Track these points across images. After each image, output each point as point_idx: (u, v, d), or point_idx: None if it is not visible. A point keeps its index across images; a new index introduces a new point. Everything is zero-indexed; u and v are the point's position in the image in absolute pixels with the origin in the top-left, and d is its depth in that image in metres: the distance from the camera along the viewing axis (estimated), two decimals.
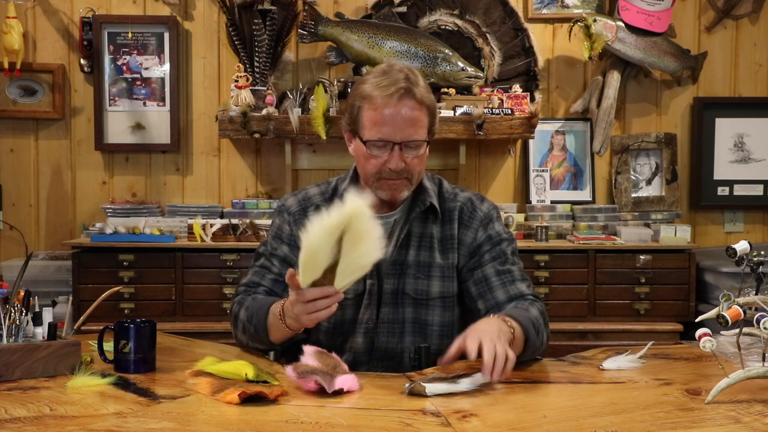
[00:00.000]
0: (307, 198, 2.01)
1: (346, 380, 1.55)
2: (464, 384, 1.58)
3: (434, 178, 2.03)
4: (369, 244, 1.59)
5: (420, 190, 1.96)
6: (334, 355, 1.66)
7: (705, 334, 1.52)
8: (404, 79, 1.84)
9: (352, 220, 1.55)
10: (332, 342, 1.92)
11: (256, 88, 3.57)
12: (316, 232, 1.55)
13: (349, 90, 3.53)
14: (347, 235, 1.56)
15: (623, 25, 3.67)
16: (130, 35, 3.77)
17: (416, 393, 1.54)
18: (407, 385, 1.57)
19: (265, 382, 1.59)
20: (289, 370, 1.58)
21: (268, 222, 3.49)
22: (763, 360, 1.51)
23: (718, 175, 3.92)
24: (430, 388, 1.54)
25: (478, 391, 1.56)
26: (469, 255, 1.94)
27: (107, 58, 3.79)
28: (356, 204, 1.56)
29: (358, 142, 1.89)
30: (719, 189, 3.93)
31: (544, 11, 3.88)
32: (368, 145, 1.85)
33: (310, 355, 1.63)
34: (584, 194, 3.91)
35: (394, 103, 1.82)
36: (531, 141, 3.83)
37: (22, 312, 1.69)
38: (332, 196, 1.99)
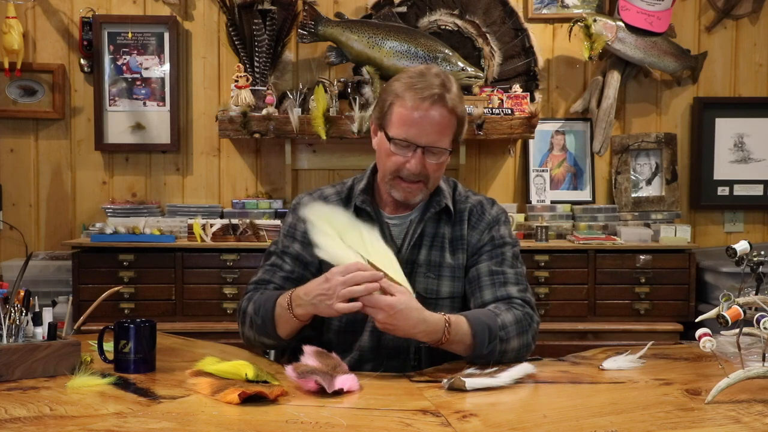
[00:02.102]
0: (323, 197, 2.01)
1: (346, 380, 1.55)
2: (502, 378, 1.61)
3: (449, 181, 2.04)
4: (369, 240, 1.72)
5: (435, 192, 1.97)
6: (334, 355, 1.66)
7: (705, 334, 1.52)
8: (440, 85, 1.84)
9: (329, 222, 1.72)
10: (342, 341, 1.91)
11: (256, 88, 3.57)
12: (329, 248, 1.71)
13: (349, 90, 3.53)
14: (346, 236, 1.70)
15: (623, 25, 3.68)
16: (130, 35, 3.77)
17: (456, 388, 1.57)
18: (446, 380, 1.59)
19: (265, 382, 1.59)
20: (289, 370, 1.58)
21: (268, 222, 3.49)
22: (763, 360, 1.51)
23: (718, 175, 3.92)
24: (470, 382, 1.57)
25: (478, 391, 1.57)
26: (472, 255, 1.95)
27: (107, 58, 3.79)
28: (318, 213, 1.76)
29: (383, 137, 1.89)
30: (719, 189, 3.93)
31: (544, 11, 3.88)
32: (392, 142, 1.86)
33: (310, 355, 1.63)
34: (584, 194, 3.91)
35: (426, 106, 1.83)
36: (531, 141, 3.83)
37: (22, 312, 1.69)
38: (348, 196, 1.99)
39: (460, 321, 1.75)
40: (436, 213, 1.96)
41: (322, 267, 1.96)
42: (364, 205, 1.95)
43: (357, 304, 1.65)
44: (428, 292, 1.92)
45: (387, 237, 1.94)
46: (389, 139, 1.86)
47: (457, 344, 1.74)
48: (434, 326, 1.70)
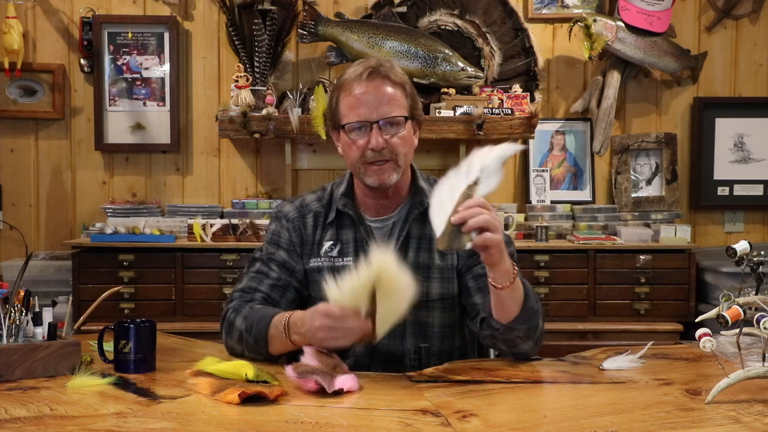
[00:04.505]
0: (305, 205, 1.99)
1: (346, 380, 1.55)
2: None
3: (430, 180, 2.01)
4: (400, 295, 1.61)
5: (416, 192, 1.95)
6: (334, 355, 1.65)
7: (705, 334, 1.52)
8: (375, 63, 1.86)
9: (380, 275, 1.58)
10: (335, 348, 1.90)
11: (256, 88, 3.57)
12: (347, 291, 1.60)
13: None
14: (379, 290, 1.60)
15: (623, 25, 3.68)
16: (130, 35, 3.77)
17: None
18: None
19: (265, 382, 1.59)
20: (289, 370, 1.58)
21: (268, 222, 3.49)
22: (763, 360, 1.51)
23: (718, 175, 3.92)
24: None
25: (479, 391, 1.56)
26: (467, 255, 1.93)
27: (107, 58, 3.79)
28: (382, 259, 1.59)
29: (342, 133, 1.88)
30: (719, 189, 3.93)
31: (544, 11, 3.88)
32: (347, 129, 1.85)
33: (310, 355, 1.63)
34: (584, 194, 3.91)
35: (365, 83, 1.83)
36: (531, 141, 3.83)
37: (22, 312, 1.69)
38: (329, 201, 1.98)
39: None
40: (420, 214, 1.91)
41: (307, 276, 1.95)
42: (346, 209, 1.93)
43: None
44: (418, 295, 1.90)
45: (371, 240, 1.92)
46: (343, 127, 1.86)
47: (517, 291, 1.72)
48: (509, 260, 1.70)
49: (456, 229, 1.58)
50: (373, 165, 1.85)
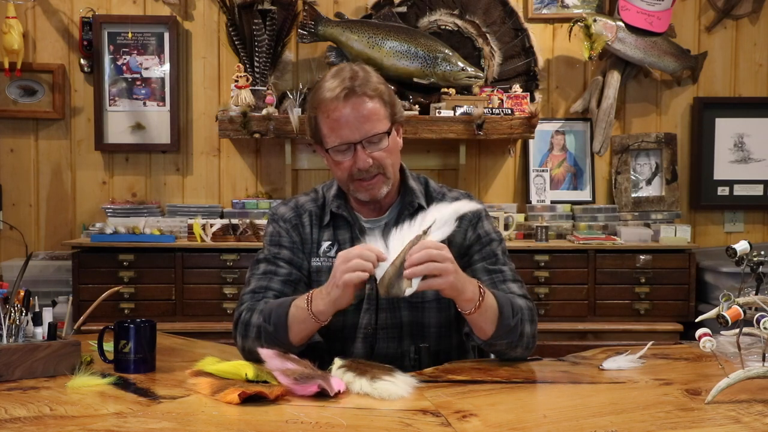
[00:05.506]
0: (299, 205, 1.99)
1: (338, 381, 1.54)
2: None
3: (420, 179, 2.01)
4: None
5: (407, 192, 1.95)
6: (292, 356, 1.64)
7: (705, 334, 1.52)
8: (349, 78, 1.83)
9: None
10: (332, 348, 1.89)
11: (256, 88, 3.57)
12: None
13: None
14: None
15: (623, 25, 3.68)
16: (130, 35, 3.77)
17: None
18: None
19: (265, 382, 1.59)
20: (281, 376, 1.54)
21: (265, 225, 3.48)
22: (763, 360, 1.51)
23: (718, 175, 3.92)
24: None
25: (479, 391, 1.56)
26: (459, 255, 1.89)
27: (107, 58, 3.79)
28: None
29: (326, 154, 1.88)
30: (719, 189, 3.93)
31: (544, 11, 3.88)
32: (331, 152, 1.85)
33: (280, 359, 1.60)
34: (584, 194, 3.91)
35: (342, 105, 1.81)
36: (531, 141, 3.83)
37: (22, 312, 1.70)
38: (323, 203, 1.98)
39: (487, 290, 1.73)
40: (411, 214, 1.90)
41: (311, 275, 1.95)
42: (340, 210, 1.93)
43: (364, 274, 1.63)
44: (413, 295, 1.89)
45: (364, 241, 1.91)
46: (327, 151, 1.86)
47: (486, 312, 1.71)
48: (473, 284, 1.70)
49: (396, 274, 1.60)
50: (362, 182, 1.86)
